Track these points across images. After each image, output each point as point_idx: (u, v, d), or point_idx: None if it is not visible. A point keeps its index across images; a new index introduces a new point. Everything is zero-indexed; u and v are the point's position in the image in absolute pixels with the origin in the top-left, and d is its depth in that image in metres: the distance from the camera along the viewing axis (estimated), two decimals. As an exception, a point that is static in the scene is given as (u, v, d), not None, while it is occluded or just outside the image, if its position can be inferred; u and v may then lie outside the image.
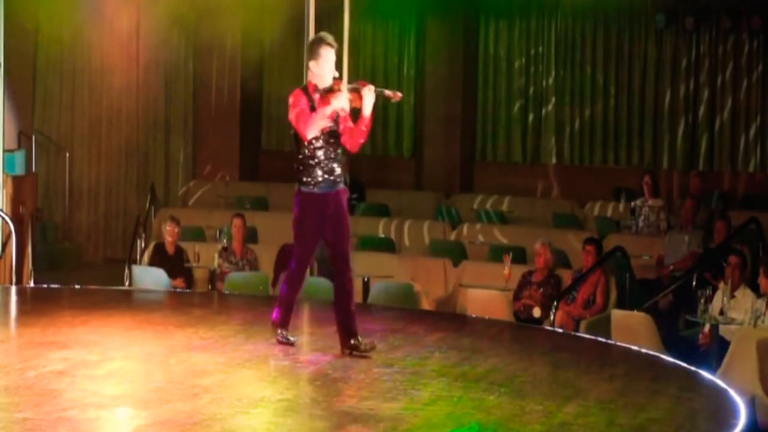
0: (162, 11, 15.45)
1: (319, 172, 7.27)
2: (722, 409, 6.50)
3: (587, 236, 11.49)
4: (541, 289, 10.59)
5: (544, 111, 16.54)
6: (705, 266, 11.07)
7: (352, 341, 7.25)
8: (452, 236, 13.56)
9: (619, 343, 8.59)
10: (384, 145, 17.15)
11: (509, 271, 10.80)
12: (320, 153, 7.25)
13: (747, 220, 12.17)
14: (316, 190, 7.28)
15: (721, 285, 9.48)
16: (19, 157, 15.00)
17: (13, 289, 10.41)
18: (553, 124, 16.44)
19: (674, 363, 7.73)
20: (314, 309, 9.78)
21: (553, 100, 16.45)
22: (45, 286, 10.70)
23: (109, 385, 6.48)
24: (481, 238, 13.30)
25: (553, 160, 16.43)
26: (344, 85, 7.21)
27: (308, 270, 7.72)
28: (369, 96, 7.17)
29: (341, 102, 7.12)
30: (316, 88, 7.19)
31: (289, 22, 14.63)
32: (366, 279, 10.65)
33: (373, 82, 18.80)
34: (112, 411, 5.98)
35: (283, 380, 6.73)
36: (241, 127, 17.18)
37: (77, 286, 10.61)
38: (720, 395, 6.81)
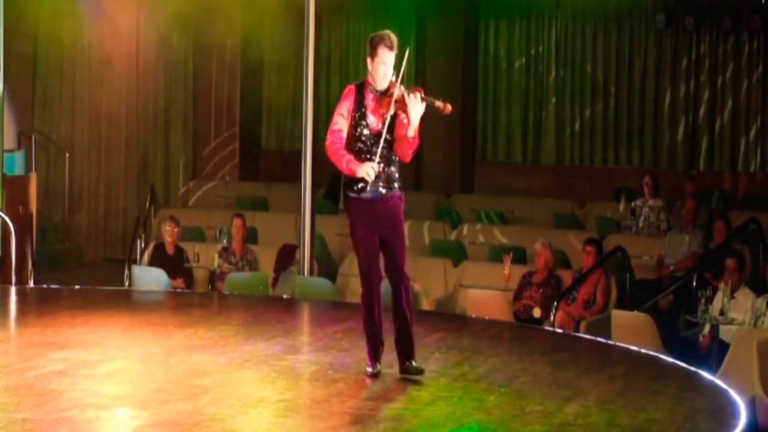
0: (162, 12, 15.44)
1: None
2: (722, 410, 6.49)
3: (587, 236, 11.48)
4: (542, 290, 10.59)
5: (544, 111, 16.54)
6: (705, 266, 11.06)
7: (406, 363, 6.79)
8: (452, 236, 13.55)
9: (619, 344, 8.59)
10: (384, 145, 17.13)
11: (509, 272, 10.80)
12: (363, 158, 6.76)
13: (747, 220, 12.17)
14: (364, 195, 6.82)
15: (721, 285, 9.48)
16: (19, 157, 15.02)
17: (13, 289, 10.41)
18: (554, 124, 16.44)
19: (674, 363, 7.73)
20: (314, 309, 9.79)
21: (553, 99, 16.45)
22: (45, 286, 10.70)
23: (109, 385, 6.48)
24: (481, 238, 13.29)
25: (553, 160, 16.43)
26: (398, 90, 6.71)
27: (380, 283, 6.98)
28: (415, 104, 6.70)
29: (364, 172, 6.68)
30: (371, 87, 6.80)
31: (290, 21, 14.64)
32: (366, 279, 10.61)
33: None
34: (112, 411, 5.97)
35: (282, 380, 6.73)
36: (241, 127, 17.18)
37: (77, 287, 10.61)
38: (720, 395, 6.80)
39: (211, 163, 16.99)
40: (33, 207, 14.28)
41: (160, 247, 11.73)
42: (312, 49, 10.73)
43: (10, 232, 11.02)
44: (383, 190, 6.87)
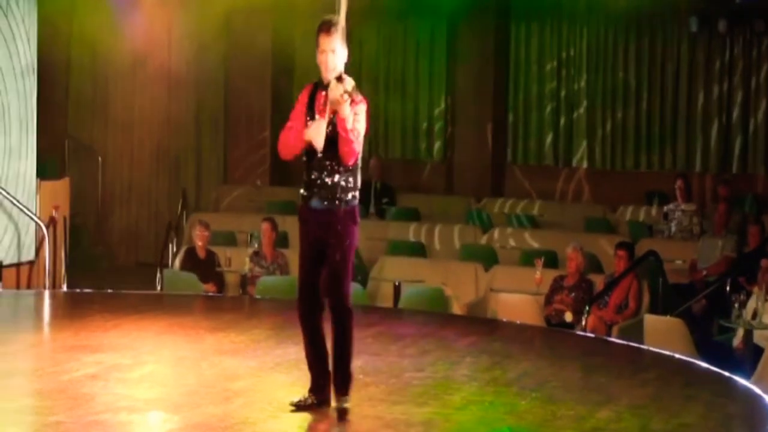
0: (194, 17, 15.51)
1: (313, 186, 6.09)
2: (756, 416, 6.45)
3: (619, 240, 11.42)
4: (573, 294, 10.54)
5: (575, 114, 16.47)
6: (739, 271, 10.98)
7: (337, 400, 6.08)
8: (483, 240, 13.52)
9: (651, 348, 8.54)
10: (414, 149, 17.14)
11: (540, 276, 10.76)
12: (312, 166, 6.09)
13: (782, 223, 12.08)
14: (311, 204, 6.11)
15: (755, 290, 9.41)
16: (53, 161, 15.14)
17: (47, 293, 10.48)
18: (585, 128, 16.37)
19: (708, 368, 7.68)
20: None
21: (585, 103, 16.38)
22: (78, 290, 10.76)
23: (141, 389, 6.51)
24: (512, 242, 13.26)
25: (585, 164, 16.37)
26: (335, 82, 5.95)
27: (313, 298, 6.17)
28: (332, 95, 5.91)
29: (314, 133, 5.98)
30: (320, 83, 6.09)
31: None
32: (397, 283, 10.63)
33: (404, 86, 18.70)
34: (144, 415, 6.00)
35: (314, 385, 6.72)
36: (272, 131, 17.21)
37: (109, 290, 10.67)
38: (754, 401, 6.75)
39: (242, 168, 17.04)
40: (66, 211, 14.39)
41: (191, 252, 11.77)
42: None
43: (44, 236, 11.09)
44: (324, 203, 6.05)
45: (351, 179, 6.13)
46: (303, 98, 6.13)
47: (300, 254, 6.19)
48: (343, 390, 6.05)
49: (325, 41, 6.00)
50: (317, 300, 6.13)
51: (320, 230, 6.06)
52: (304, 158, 6.13)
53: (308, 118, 6.06)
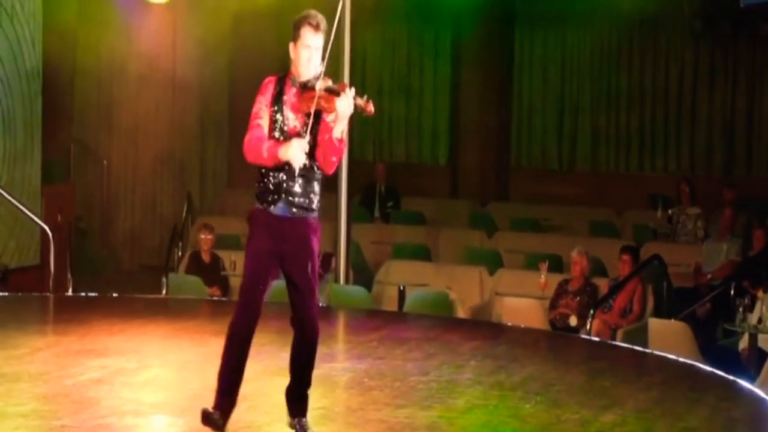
0: (199, 23, 15.53)
1: (280, 192, 5.57)
2: (761, 419, 6.46)
3: (624, 244, 11.42)
4: (578, 298, 10.54)
5: (579, 118, 16.48)
6: (743, 275, 10.98)
7: (293, 419, 5.72)
8: (488, 244, 13.53)
9: (656, 352, 8.54)
10: (419, 153, 17.16)
11: (545, 280, 10.76)
12: (282, 168, 5.55)
13: (786, 227, 12.05)
14: (272, 210, 5.57)
15: (760, 294, 9.40)
16: (58, 165, 15.15)
17: (52, 297, 10.49)
18: (589, 131, 16.37)
19: (712, 372, 7.68)
20: (350, 317, 9.80)
21: (589, 106, 16.39)
22: (83, 294, 10.78)
23: (146, 393, 6.52)
24: (516, 246, 13.25)
25: (589, 168, 16.37)
26: (321, 81, 5.57)
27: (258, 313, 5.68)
28: (343, 100, 5.47)
29: (292, 154, 5.43)
30: (292, 79, 5.64)
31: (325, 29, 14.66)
32: (401, 287, 10.64)
33: (409, 90, 18.74)
34: (149, 418, 6.01)
35: (318, 388, 6.71)
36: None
37: (114, 295, 10.68)
38: (759, 405, 6.75)
39: (247, 171, 17.03)
40: (71, 215, 14.40)
41: (196, 255, 11.78)
42: (347, 58, 10.74)
43: (49, 240, 11.10)
44: (294, 210, 5.53)
45: (319, 186, 5.66)
46: (266, 92, 5.60)
47: (252, 268, 5.57)
48: (305, 412, 5.70)
49: (313, 38, 5.62)
50: (257, 320, 5.64)
51: (286, 242, 5.53)
52: None
53: (277, 117, 5.56)
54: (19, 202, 11.78)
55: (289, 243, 5.54)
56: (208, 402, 6.21)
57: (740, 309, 9.11)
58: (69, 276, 12.11)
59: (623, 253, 10.70)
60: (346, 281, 10.70)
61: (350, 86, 5.56)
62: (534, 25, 16.66)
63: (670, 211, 13.29)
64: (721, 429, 6.23)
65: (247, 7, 14.68)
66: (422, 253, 12.87)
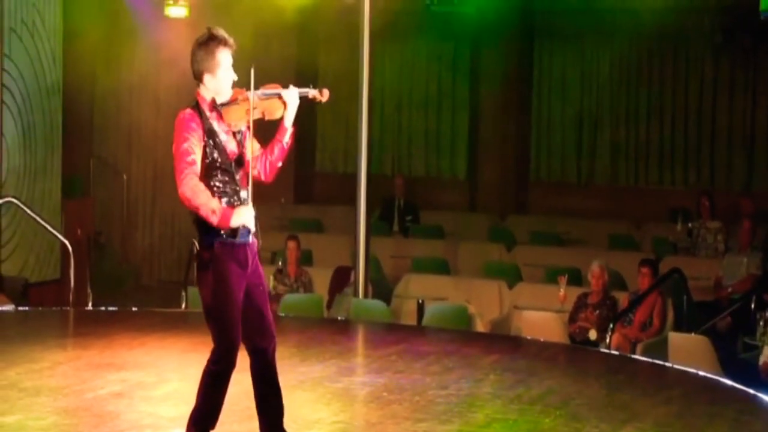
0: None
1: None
2: (782, 433, 6.41)
3: (643, 257, 11.38)
4: (597, 311, 10.51)
5: (598, 131, 16.45)
6: (764, 288, 10.92)
7: None
8: (507, 258, 13.51)
9: (676, 366, 8.50)
10: (438, 167, 17.16)
11: (564, 293, 10.73)
12: (235, 190, 5.38)
13: (808, 240, 12.01)
14: (236, 240, 5.32)
15: (781, 307, 9.36)
16: (78, 180, 15.23)
17: (72, 311, 10.53)
18: (609, 145, 16.34)
19: (733, 386, 7.64)
20: (369, 331, 9.80)
21: (608, 120, 16.36)
22: (103, 308, 10.81)
23: (165, 407, 6.53)
24: (536, 259, 13.23)
25: (609, 181, 16.33)
26: (251, 93, 5.42)
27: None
28: (294, 99, 5.47)
29: (243, 219, 5.30)
30: (214, 104, 5.42)
31: (344, 45, 14.72)
32: (420, 301, 10.63)
33: (428, 104, 18.70)
34: (168, 432, 6.02)
35: (338, 402, 6.74)
36: (296, 149, 17.23)
37: (134, 309, 10.72)
38: (780, 419, 6.71)
39: (266, 186, 17.07)
40: (91, 230, 14.46)
41: (215, 269, 11.77)
42: (367, 72, 10.77)
43: (69, 255, 11.15)
44: (250, 235, 5.39)
45: None
46: (193, 127, 5.30)
47: (233, 307, 5.26)
48: None
49: (230, 58, 5.46)
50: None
51: (250, 270, 5.35)
52: (224, 185, 5.35)
53: (212, 147, 5.31)
54: (40, 217, 11.84)
55: (253, 271, 5.40)
56: (227, 416, 6.22)
57: (761, 323, 9.06)
58: (89, 290, 12.14)
59: (643, 266, 10.66)
60: (365, 295, 10.70)
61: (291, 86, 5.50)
62: (553, 39, 16.65)
63: (690, 225, 13.24)
64: (742, 443, 6.21)
65: (268, 22, 14.74)
66: (441, 267, 12.86)
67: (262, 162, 5.48)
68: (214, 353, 5.34)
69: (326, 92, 5.55)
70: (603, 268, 10.67)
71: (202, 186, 5.21)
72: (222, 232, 5.26)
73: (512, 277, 12.18)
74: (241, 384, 7.08)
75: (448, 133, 17.02)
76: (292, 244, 11.79)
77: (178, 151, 5.26)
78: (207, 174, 5.27)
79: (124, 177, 16.74)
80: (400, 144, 17.28)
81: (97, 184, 16.46)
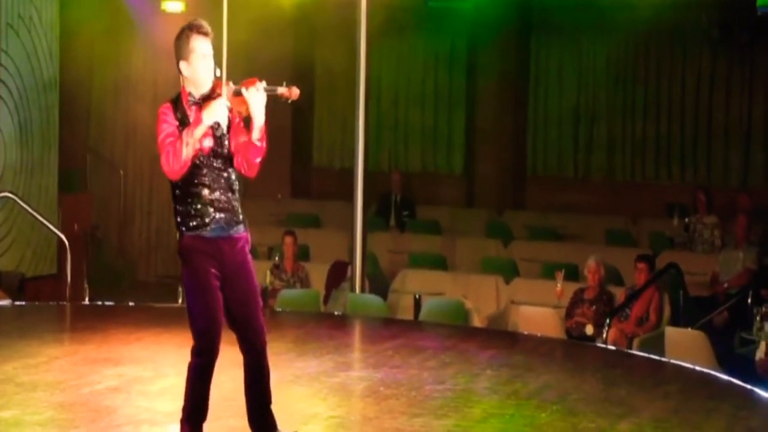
0: (214, 31, 15.56)
1: (210, 210, 5.34)
2: (779, 428, 6.41)
3: (640, 253, 11.40)
4: (594, 307, 10.52)
5: (595, 127, 16.46)
6: (760, 283, 10.94)
7: None
8: (504, 253, 13.51)
9: (673, 361, 8.51)
10: (435, 162, 17.16)
11: (561, 288, 10.74)
12: (205, 184, 5.35)
13: (804, 236, 12.03)
14: (206, 233, 5.33)
15: (777, 302, 9.37)
16: (74, 175, 15.22)
17: (69, 306, 10.53)
18: (605, 140, 16.35)
19: (730, 381, 7.65)
20: (365, 326, 9.80)
21: (605, 116, 16.37)
22: (99, 303, 10.81)
23: (162, 402, 6.53)
24: (532, 255, 13.24)
25: (605, 176, 16.34)
26: (225, 88, 5.41)
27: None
28: (256, 97, 5.36)
29: (216, 113, 5.28)
30: (190, 98, 5.41)
31: (341, 40, 14.70)
32: (417, 296, 10.64)
33: (425, 99, 18.69)
34: (165, 427, 6.02)
35: (334, 397, 6.74)
36: (293, 144, 17.25)
37: (131, 304, 10.71)
38: (776, 414, 6.72)
39: (262, 181, 17.06)
40: (87, 225, 14.45)
41: (212, 265, 11.78)
42: (363, 66, 10.77)
43: (66, 250, 11.15)
44: (227, 228, 5.37)
45: (239, 195, 5.55)
46: (168, 120, 5.32)
47: (207, 300, 5.33)
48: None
49: (205, 45, 5.44)
50: None
51: (228, 263, 5.37)
52: (196, 177, 5.33)
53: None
54: (37, 212, 11.83)
55: (234, 265, 5.40)
56: (224, 411, 6.24)
57: (757, 317, 9.07)
58: (85, 285, 12.15)
59: (639, 261, 10.67)
60: (362, 290, 10.71)
61: (261, 79, 5.46)
62: (550, 35, 16.65)
63: (686, 220, 13.26)
64: (739, 438, 6.21)
65: (265, 16, 14.72)
66: (438, 262, 12.87)
67: (240, 158, 5.43)
68: (195, 345, 5.43)
69: (296, 90, 5.54)
70: (599, 264, 10.68)
71: (169, 145, 5.21)
72: (191, 224, 5.30)
73: (509, 272, 12.19)
74: (237, 379, 7.09)
75: (445, 128, 17.02)
76: (288, 240, 11.80)
77: (159, 142, 5.30)
78: (187, 174, 5.31)
79: (121, 172, 16.73)
80: (397, 139, 17.28)
81: (93, 179, 16.45)
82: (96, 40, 15.87)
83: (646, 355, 8.75)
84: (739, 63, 15.52)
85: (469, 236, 14.35)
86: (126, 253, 16.96)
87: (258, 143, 5.38)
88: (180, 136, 5.23)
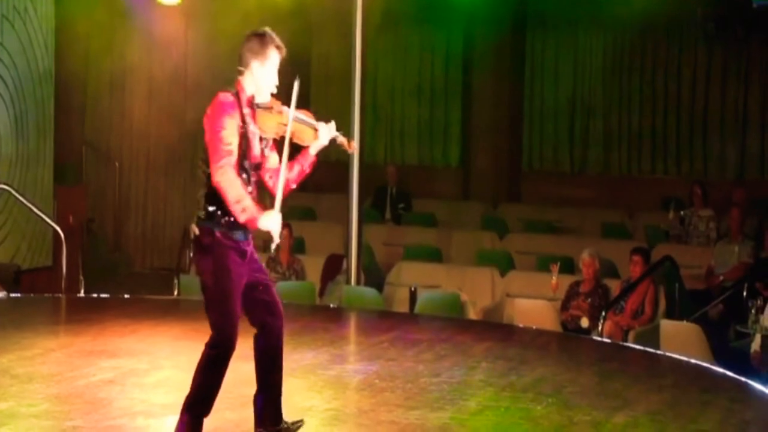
0: (210, 26, 15.56)
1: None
2: (774, 421, 6.43)
3: (635, 246, 11.40)
4: (589, 300, 10.53)
5: (591, 121, 16.46)
6: (755, 276, 10.95)
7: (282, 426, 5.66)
8: (499, 246, 13.52)
9: (668, 354, 8.53)
10: (431, 155, 17.16)
11: (557, 281, 10.76)
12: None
13: (799, 228, 12.04)
14: (237, 235, 5.34)
15: (773, 294, 9.38)
16: (70, 168, 15.20)
17: (64, 298, 10.52)
18: (601, 134, 16.36)
19: (725, 374, 7.66)
20: (361, 318, 9.81)
21: (601, 109, 16.37)
22: (95, 295, 10.81)
23: (158, 394, 6.53)
24: (528, 247, 13.25)
25: (601, 170, 16.35)
26: (292, 112, 5.45)
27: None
28: (325, 133, 5.57)
29: (272, 225, 5.30)
30: (252, 101, 5.42)
31: (337, 32, 14.69)
32: (413, 288, 10.65)
33: (421, 92, 18.65)
34: (161, 419, 6.02)
35: (329, 390, 6.75)
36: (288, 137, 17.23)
37: (126, 296, 10.71)
38: (771, 407, 6.74)
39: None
40: (83, 217, 14.44)
41: (208, 257, 11.78)
42: (359, 60, 10.77)
43: (61, 242, 11.15)
44: (251, 232, 5.41)
45: None
46: (233, 114, 5.30)
47: (235, 289, 5.33)
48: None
49: (278, 61, 5.53)
50: None
51: (248, 259, 5.42)
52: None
53: (243, 144, 5.32)
54: (32, 204, 11.82)
55: (252, 259, 5.47)
56: (220, 403, 6.23)
57: (752, 310, 9.08)
58: (81, 277, 12.15)
59: (634, 254, 10.69)
60: (358, 283, 10.71)
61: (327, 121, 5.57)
62: (546, 28, 16.65)
63: (682, 213, 13.27)
64: (734, 431, 6.21)
65: (260, 8, 14.71)
66: (434, 255, 12.88)
67: (268, 175, 5.51)
68: (212, 338, 5.39)
69: (354, 146, 5.82)
70: (593, 257, 10.69)
71: (238, 181, 5.24)
72: (223, 226, 5.28)
73: (505, 265, 12.20)
74: (235, 372, 7.08)
75: (441, 121, 17.02)
76: (284, 232, 11.75)
77: (216, 136, 5.25)
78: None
79: (117, 164, 16.71)
80: (393, 132, 17.28)
81: (89, 171, 16.43)
82: (91, 32, 15.84)
83: (641, 347, 8.76)
84: (735, 56, 15.52)
85: (464, 229, 14.35)
86: (121, 245, 16.95)
87: (307, 169, 5.63)
88: (233, 166, 5.21)
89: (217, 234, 5.29)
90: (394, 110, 17.25)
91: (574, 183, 16.40)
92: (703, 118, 15.77)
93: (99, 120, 16.98)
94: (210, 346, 5.41)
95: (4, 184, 11.93)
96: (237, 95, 5.36)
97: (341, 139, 5.68)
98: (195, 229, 5.36)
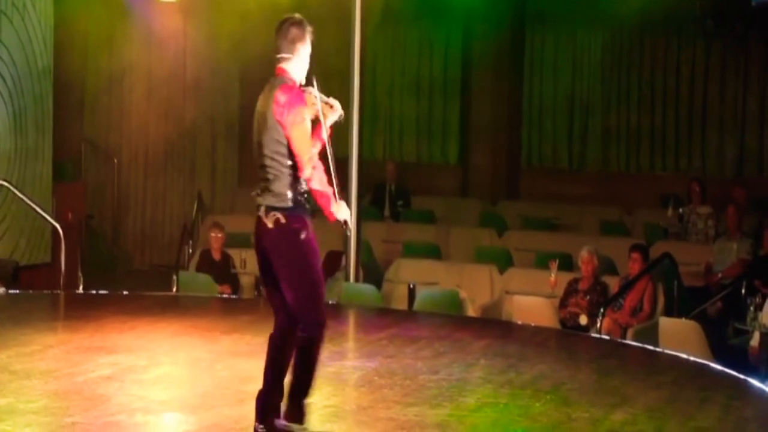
0: (209, 22, 15.55)
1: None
2: (772, 418, 6.43)
3: (634, 243, 11.40)
4: (588, 297, 10.53)
5: (590, 118, 16.46)
6: (754, 274, 10.96)
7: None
8: (498, 243, 13.52)
9: (666, 351, 8.53)
10: (429, 152, 17.15)
11: (555, 278, 10.75)
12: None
13: (798, 226, 12.03)
14: (308, 216, 5.73)
15: (771, 292, 9.38)
16: (69, 164, 15.20)
17: (63, 294, 10.52)
18: (600, 131, 16.35)
19: (723, 371, 7.67)
20: (360, 315, 9.81)
21: (600, 106, 16.37)
22: (94, 291, 10.81)
23: (156, 390, 6.53)
24: (527, 244, 13.25)
25: (600, 167, 16.35)
26: (316, 93, 5.70)
27: None
28: (339, 105, 5.78)
29: (343, 213, 5.72)
30: (301, 85, 5.73)
31: (335, 29, 14.66)
32: (412, 285, 10.65)
33: (419, 89, 18.71)
34: (159, 416, 6.03)
35: (328, 386, 6.74)
36: (288, 134, 17.22)
37: (125, 292, 10.71)
38: (770, 404, 6.74)
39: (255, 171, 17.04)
40: (82, 214, 14.44)
41: (206, 254, 11.81)
42: (358, 56, 10.77)
43: (60, 238, 11.14)
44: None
45: None
46: (305, 105, 5.58)
47: (319, 270, 5.62)
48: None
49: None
50: None
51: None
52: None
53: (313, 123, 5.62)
54: (31, 200, 11.82)
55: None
56: (219, 400, 6.24)
57: (751, 308, 9.10)
58: (80, 274, 12.15)
59: (633, 251, 10.68)
60: (356, 279, 10.71)
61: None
62: (545, 25, 16.63)
63: (680, 210, 13.26)
64: (732, 428, 6.22)
65: (258, 4, 14.71)
66: (432, 252, 12.87)
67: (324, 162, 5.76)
68: (304, 325, 5.45)
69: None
70: (592, 254, 10.69)
71: (325, 178, 5.57)
72: (301, 200, 5.59)
73: (503, 262, 12.20)
74: (232, 369, 7.12)
75: (440, 118, 17.00)
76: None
77: (300, 128, 5.51)
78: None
79: (115, 161, 16.71)
80: (392, 129, 17.26)
81: (88, 167, 16.43)
82: (90, 28, 15.84)
83: (640, 345, 8.77)
84: (734, 53, 15.51)
85: (463, 226, 14.35)
86: (120, 242, 16.95)
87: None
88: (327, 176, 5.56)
89: (306, 221, 5.57)
90: (393, 107, 17.23)
91: (572, 180, 16.39)
92: (702, 115, 15.76)
93: (98, 116, 16.97)
94: (308, 330, 5.45)
95: (3, 180, 11.92)
96: (295, 83, 5.61)
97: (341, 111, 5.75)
98: (277, 219, 5.56)
